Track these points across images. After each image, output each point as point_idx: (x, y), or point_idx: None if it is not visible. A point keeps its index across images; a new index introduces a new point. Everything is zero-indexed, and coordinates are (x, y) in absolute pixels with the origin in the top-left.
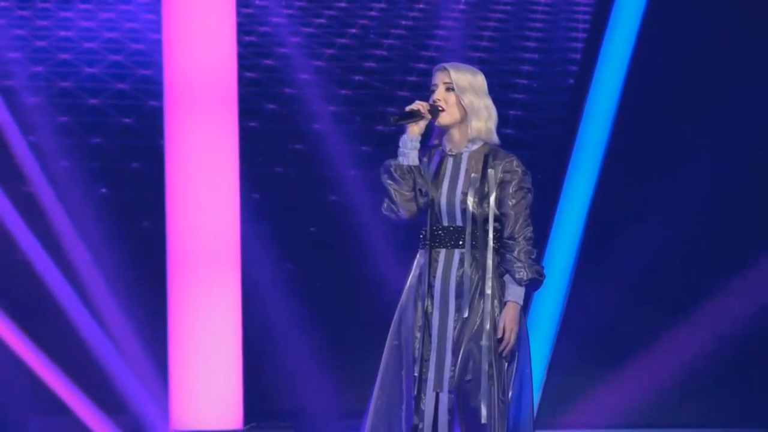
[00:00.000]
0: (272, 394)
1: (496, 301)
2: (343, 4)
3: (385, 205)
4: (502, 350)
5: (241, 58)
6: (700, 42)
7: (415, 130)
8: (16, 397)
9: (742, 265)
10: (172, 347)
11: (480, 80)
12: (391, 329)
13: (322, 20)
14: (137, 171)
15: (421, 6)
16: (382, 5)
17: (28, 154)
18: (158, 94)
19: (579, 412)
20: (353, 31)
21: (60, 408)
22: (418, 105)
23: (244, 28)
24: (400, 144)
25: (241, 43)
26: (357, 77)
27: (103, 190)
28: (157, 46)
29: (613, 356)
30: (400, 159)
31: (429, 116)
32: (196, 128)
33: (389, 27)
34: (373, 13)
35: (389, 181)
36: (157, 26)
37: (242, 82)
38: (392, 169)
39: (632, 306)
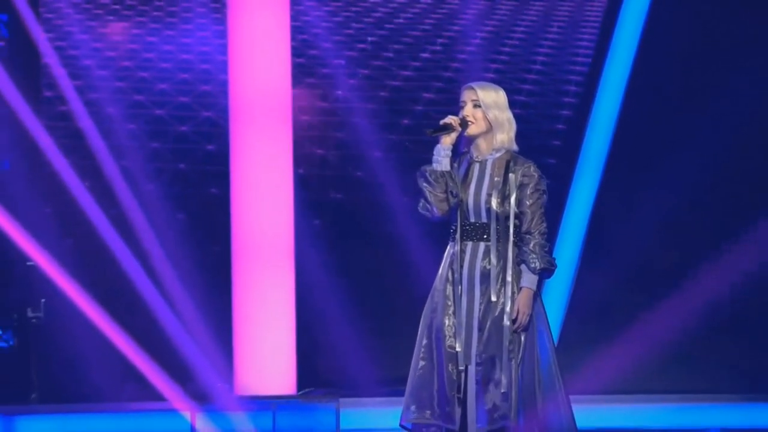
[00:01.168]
0: (322, 364)
1: (515, 287)
2: (382, 32)
3: (421, 204)
4: (516, 329)
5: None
6: (700, 43)
7: (447, 141)
8: (108, 370)
9: (726, 251)
10: (236, 324)
11: (502, 96)
12: (424, 310)
13: (363, 45)
14: (184, 171)
15: (442, 39)
16: (416, 33)
17: (106, 154)
18: (212, 106)
19: (583, 379)
20: (388, 54)
21: (138, 378)
22: (451, 119)
23: (296, 51)
24: (435, 152)
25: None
26: (382, 93)
27: (160, 187)
28: (222, 66)
29: (612, 331)
30: (435, 165)
31: (459, 129)
32: (256, 135)
33: (418, 51)
34: (407, 39)
35: (425, 184)
36: (224, 49)
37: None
38: (428, 174)
39: (628, 290)
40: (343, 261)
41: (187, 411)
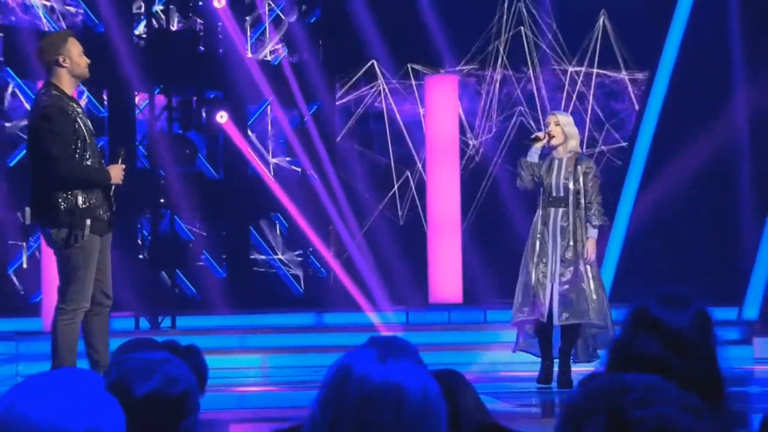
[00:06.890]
0: (479, 284)
1: (582, 237)
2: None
3: (518, 182)
4: (585, 262)
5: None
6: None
7: (537, 145)
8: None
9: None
10: (430, 260)
11: (570, 118)
12: (525, 252)
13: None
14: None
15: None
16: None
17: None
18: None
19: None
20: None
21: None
22: (540, 134)
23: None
24: (530, 151)
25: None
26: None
27: (373, 189)
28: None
29: None
30: (528, 158)
31: (544, 139)
32: (440, 163)
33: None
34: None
35: (521, 170)
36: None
37: None
38: (523, 163)
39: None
40: (490, 219)
41: (400, 310)
